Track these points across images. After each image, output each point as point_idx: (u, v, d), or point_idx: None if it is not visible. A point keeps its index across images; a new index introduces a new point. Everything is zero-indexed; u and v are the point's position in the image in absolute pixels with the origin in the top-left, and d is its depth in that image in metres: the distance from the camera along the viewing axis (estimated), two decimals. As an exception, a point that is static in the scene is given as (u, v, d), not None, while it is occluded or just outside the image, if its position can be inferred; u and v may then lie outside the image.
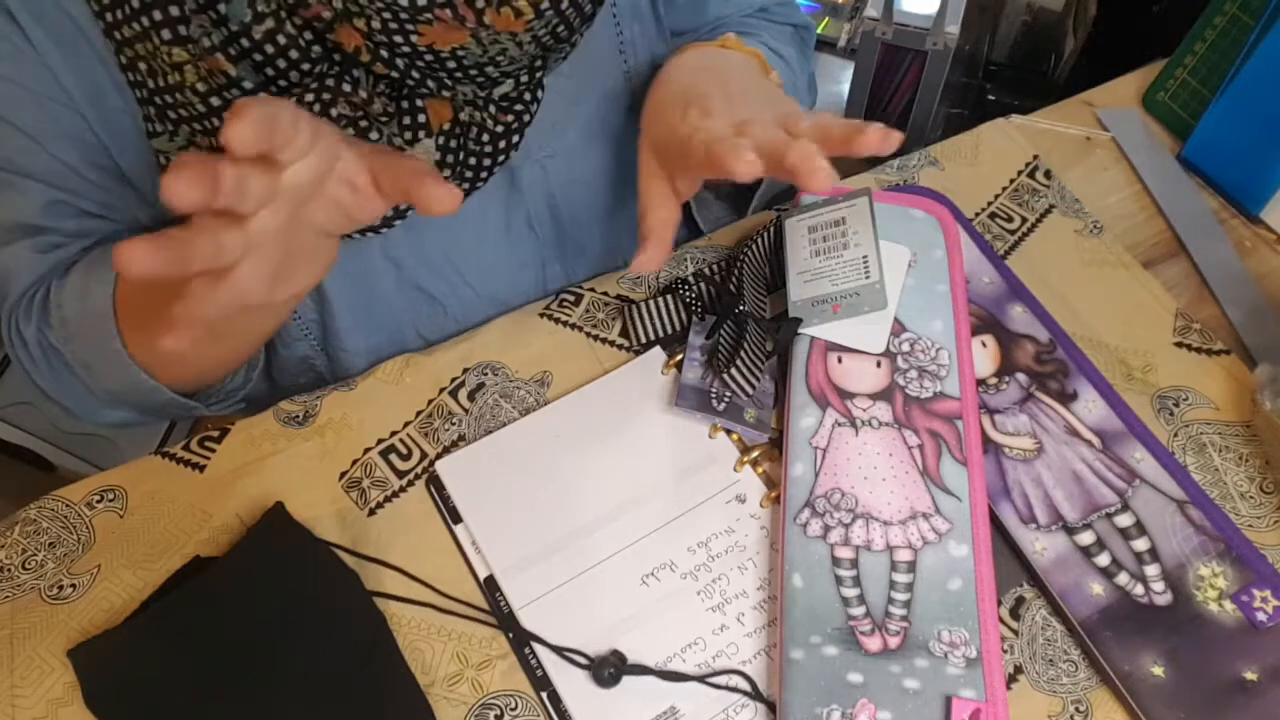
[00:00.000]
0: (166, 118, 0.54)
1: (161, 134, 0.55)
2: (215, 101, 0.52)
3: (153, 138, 0.56)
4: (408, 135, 0.56)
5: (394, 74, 0.54)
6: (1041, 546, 0.54)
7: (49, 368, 0.61)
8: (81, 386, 0.61)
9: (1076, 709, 0.51)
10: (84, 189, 0.58)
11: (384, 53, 0.53)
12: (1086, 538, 0.54)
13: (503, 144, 0.59)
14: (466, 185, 0.61)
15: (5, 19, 0.52)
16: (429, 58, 0.53)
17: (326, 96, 0.54)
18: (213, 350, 0.59)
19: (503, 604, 0.54)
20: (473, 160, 0.60)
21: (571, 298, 0.66)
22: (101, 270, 0.58)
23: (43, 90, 0.54)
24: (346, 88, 0.54)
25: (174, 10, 0.50)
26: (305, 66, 0.53)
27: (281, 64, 0.52)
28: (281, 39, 0.51)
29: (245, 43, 0.51)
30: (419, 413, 0.61)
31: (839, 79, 1.17)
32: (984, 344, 0.61)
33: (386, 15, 0.51)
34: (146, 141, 0.56)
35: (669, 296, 0.64)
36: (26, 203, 0.58)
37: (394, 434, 0.60)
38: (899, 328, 0.59)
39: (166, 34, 0.50)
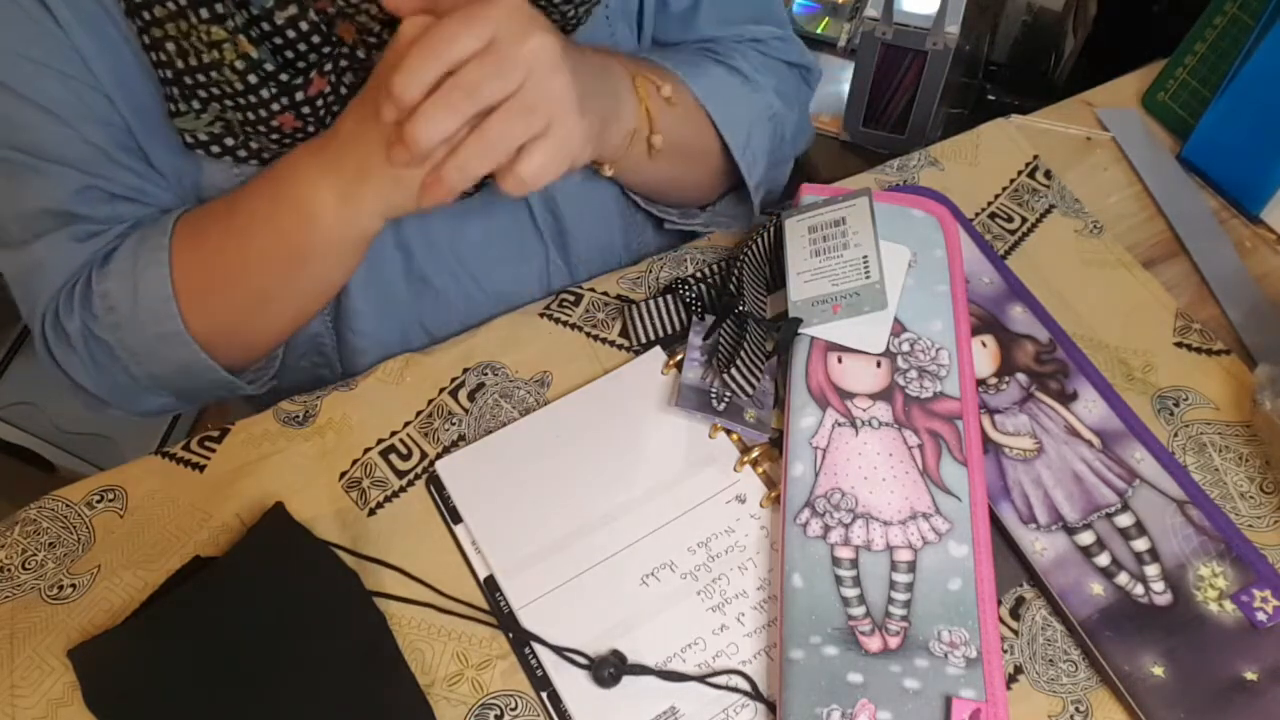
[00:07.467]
0: (196, 96, 0.54)
1: (187, 113, 0.55)
2: (252, 79, 0.53)
3: (176, 117, 0.56)
4: None
5: None
6: (1041, 546, 0.54)
7: (92, 361, 0.60)
8: (125, 375, 0.61)
9: (1076, 709, 0.51)
10: (114, 173, 0.58)
11: (378, 51, 0.53)
12: (1086, 538, 0.54)
13: None
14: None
15: (34, 1, 0.52)
16: None
17: (344, 66, 0.55)
18: (294, 294, 0.59)
19: (503, 604, 0.54)
20: None
21: (571, 298, 0.66)
22: (148, 252, 0.57)
23: (72, 72, 0.54)
24: (360, 54, 0.55)
25: None
26: (320, 45, 0.54)
27: (302, 47, 0.53)
28: (304, 25, 0.52)
29: (266, 26, 0.52)
30: (419, 413, 0.61)
31: (839, 79, 1.16)
32: (984, 344, 0.61)
33: (366, 19, 0.52)
34: (168, 123, 0.56)
35: (669, 296, 0.64)
36: (58, 189, 0.57)
37: (394, 434, 0.60)
38: (899, 328, 0.59)
39: (205, 13, 0.51)
